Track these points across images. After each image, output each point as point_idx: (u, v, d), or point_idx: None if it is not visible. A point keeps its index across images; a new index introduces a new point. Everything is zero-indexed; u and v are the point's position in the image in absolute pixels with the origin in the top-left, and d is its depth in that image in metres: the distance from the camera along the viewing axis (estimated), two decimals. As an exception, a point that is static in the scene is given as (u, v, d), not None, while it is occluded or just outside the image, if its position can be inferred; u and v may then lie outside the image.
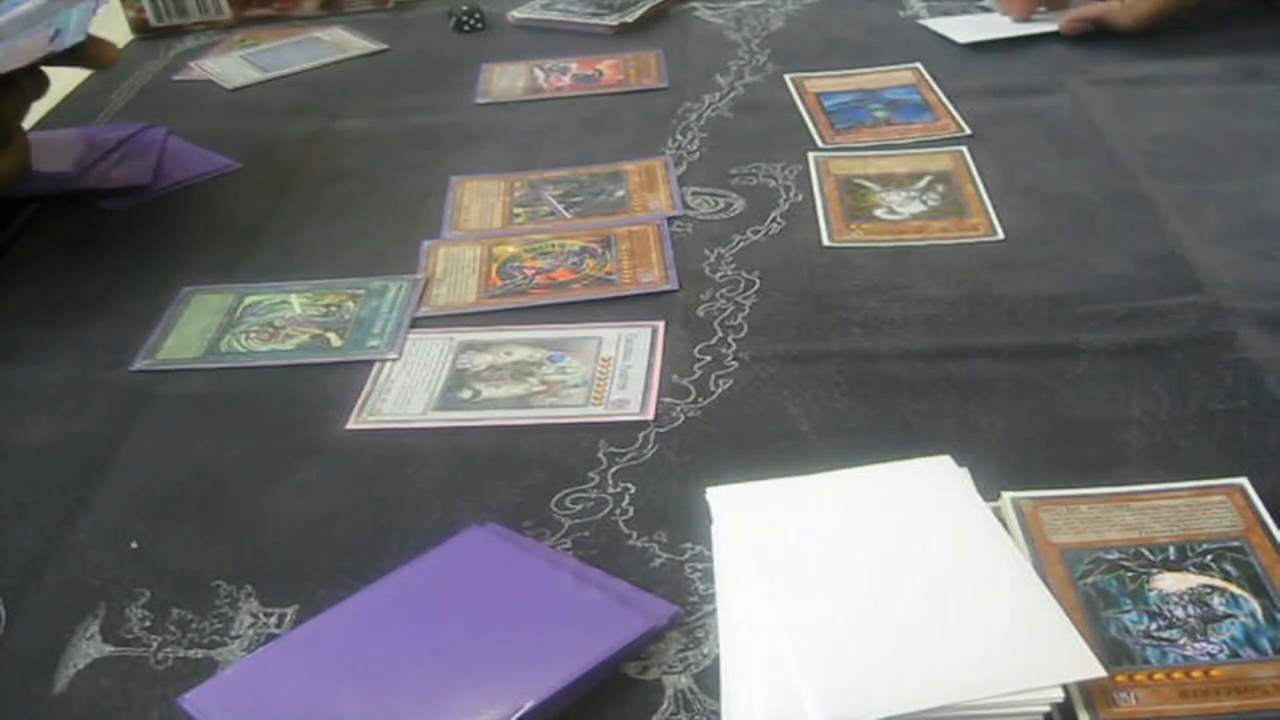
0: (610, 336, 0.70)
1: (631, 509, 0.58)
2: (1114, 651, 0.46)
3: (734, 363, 0.67)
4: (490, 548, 0.55)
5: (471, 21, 1.19)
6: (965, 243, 0.77)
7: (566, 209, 0.85)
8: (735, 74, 1.05)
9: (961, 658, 0.45)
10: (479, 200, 0.87)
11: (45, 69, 0.82)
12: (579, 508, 0.58)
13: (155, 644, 0.52)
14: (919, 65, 1.02)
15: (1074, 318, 0.68)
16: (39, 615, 0.55)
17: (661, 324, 0.71)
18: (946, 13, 1.13)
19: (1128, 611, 0.48)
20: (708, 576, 0.53)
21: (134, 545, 0.58)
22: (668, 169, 0.89)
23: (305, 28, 1.23)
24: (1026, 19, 1.07)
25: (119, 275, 0.82)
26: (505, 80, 1.08)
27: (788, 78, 1.02)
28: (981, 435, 0.60)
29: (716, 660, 0.49)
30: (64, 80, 1.15)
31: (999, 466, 0.57)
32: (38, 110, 1.08)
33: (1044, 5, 1.07)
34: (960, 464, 0.56)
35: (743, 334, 0.70)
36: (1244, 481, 0.54)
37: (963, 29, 1.08)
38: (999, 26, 1.07)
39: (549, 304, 0.74)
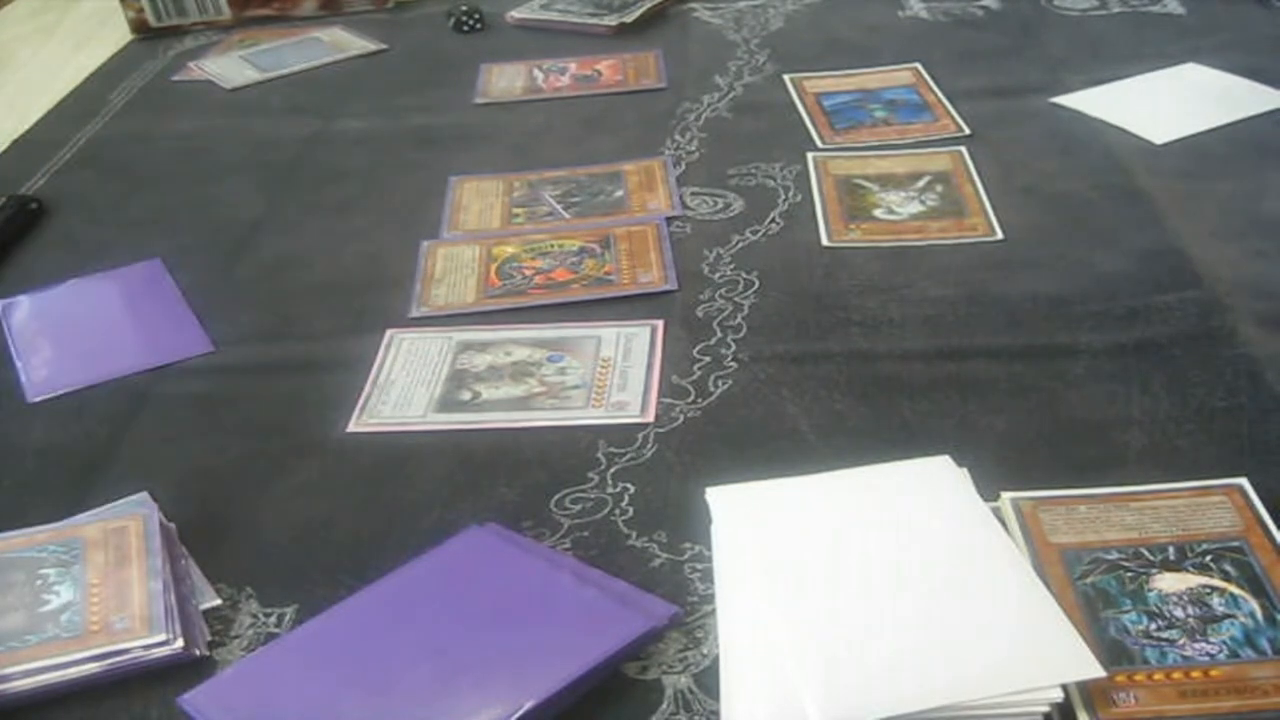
0: (610, 336, 0.70)
1: (631, 509, 0.58)
2: (1113, 652, 0.46)
3: (733, 363, 0.67)
4: (490, 548, 0.55)
5: (471, 21, 1.19)
6: (964, 243, 0.77)
7: (565, 209, 0.85)
8: (734, 74, 1.05)
9: (961, 658, 0.45)
10: (478, 200, 0.87)
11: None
12: (579, 508, 0.58)
13: (155, 644, 0.52)
14: (918, 65, 1.02)
15: (1073, 317, 0.68)
16: (39, 616, 0.55)
17: (661, 324, 0.71)
18: (947, 13, 1.13)
19: (1127, 612, 0.48)
20: (707, 576, 0.53)
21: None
22: (667, 169, 0.89)
23: (304, 28, 1.23)
24: None
25: (118, 275, 0.82)
26: (504, 80, 1.08)
27: (787, 78, 1.02)
28: (981, 435, 0.60)
29: (716, 660, 0.49)
30: (65, 80, 1.15)
31: (999, 466, 0.57)
32: (36, 108, 1.09)
33: None
34: (960, 464, 0.56)
35: (742, 334, 0.70)
36: (1243, 481, 0.54)
37: (1149, 123, 0.89)
38: (1190, 114, 0.90)
39: (548, 304, 0.74)
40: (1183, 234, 0.75)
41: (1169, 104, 0.92)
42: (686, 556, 0.54)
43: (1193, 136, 0.87)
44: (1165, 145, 0.86)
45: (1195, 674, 0.45)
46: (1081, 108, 0.93)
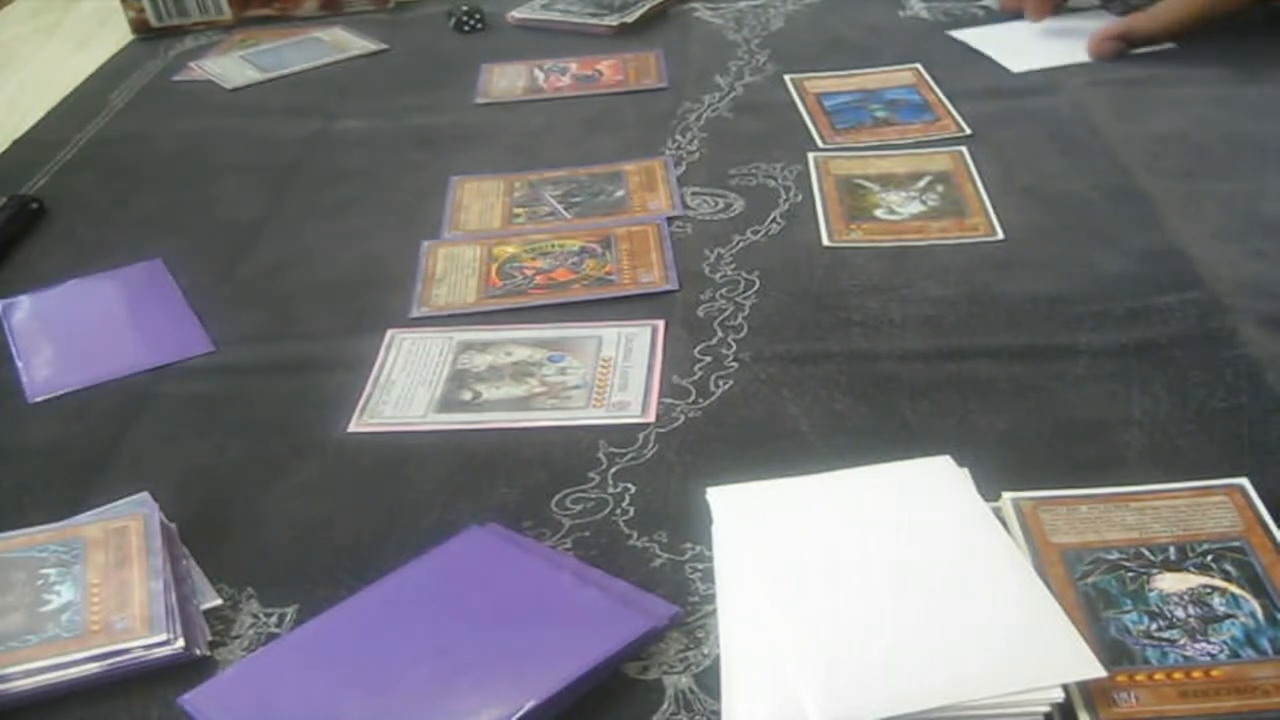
0: (610, 336, 0.70)
1: (632, 509, 0.58)
2: (1114, 652, 0.46)
3: (734, 363, 0.67)
4: (490, 548, 0.55)
5: (471, 21, 1.19)
6: (965, 243, 0.77)
7: (566, 209, 0.85)
8: (735, 74, 1.05)
9: (961, 658, 0.45)
10: (479, 200, 0.87)
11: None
12: (579, 508, 0.58)
13: (155, 644, 0.52)
14: (919, 65, 1.02)
15: (1074, 317, 0.68)
16: (39, 615, 0.55)
17: (662, 324, 0.71)
18: (947, 13, 1.13)
19: (1128, 612, 0.48)
20: (708, 576, 0.53)
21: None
22: (667, 169, 0.89)
23: (305, 28, 1.23)
24: (1043, 19, 1.06)
25: (119, 275, 0.82)
26: (505, 80, 1.08)
27: (787, 78, 1.02)
28: (981, 435, 0.60)
29: (717, 660, 0.49)
30: (65, 80, 1.15)
31: (999, 466, 0.57)
32: (36, 108, 1.09)
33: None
34: (960, 464, 0.56)
35: (743, 334, 0.70)
36: (1244, 481, 0.54)
37: (1012, 55, 1.02)
38: (1047, 52, 1.02)
39: (549, 304, 0.74)
40: (1183, 234, 0.75)
41: (1040, 42, 1.04)
42: (687, 556, 0.54)
43: (1050, 70, 0.99)
44: (1021, 74, 0.99)
45: (1196, 674, 0.45)
46: (967, 40, 1.06)
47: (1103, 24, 1.02)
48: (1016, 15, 1.09)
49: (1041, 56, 1.02)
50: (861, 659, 0.45)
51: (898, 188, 0.84)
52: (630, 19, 1.16)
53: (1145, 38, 1.01)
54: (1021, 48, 1.03)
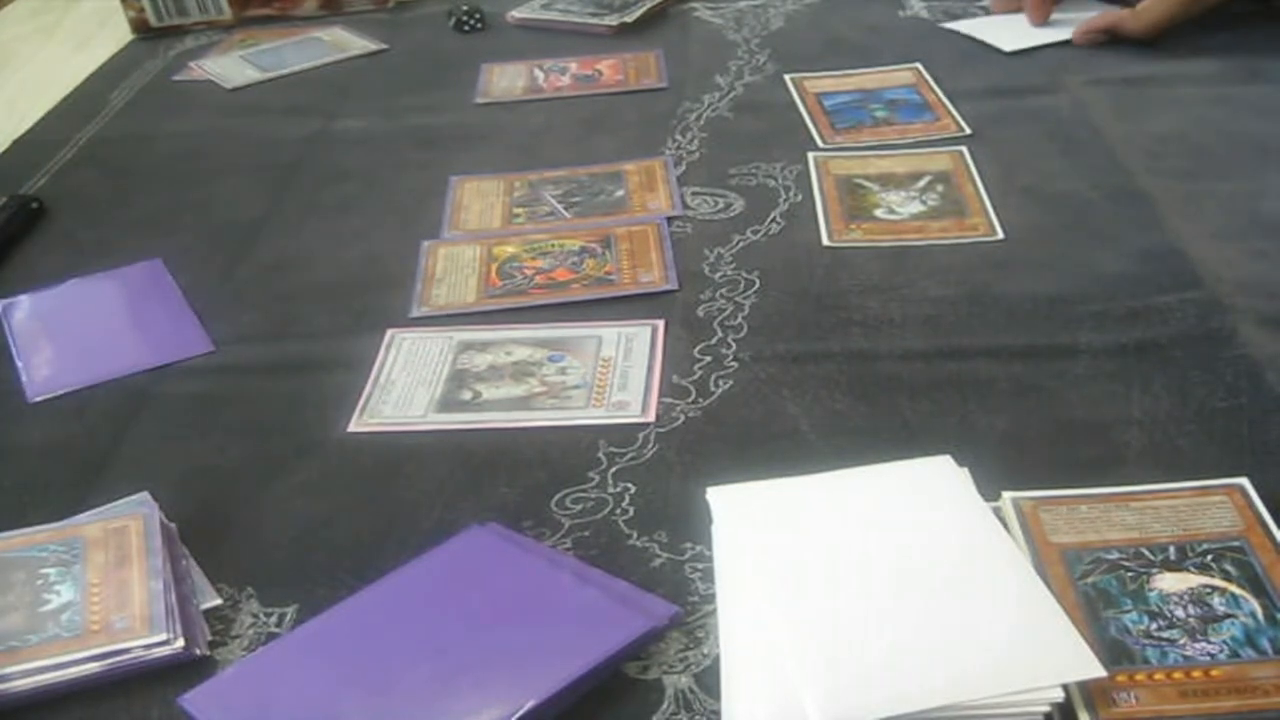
0: (610, 336, 0.70)
1: (632, 509, 0.58)
2: (1114, 651, 0.46)
3: (734, 363, 0.67)
4: (490, 548, 0.55)
5: (471, 21, 1.19)
6: (965, 242, 0.77)
7: (566, 209, 0.85)
8: (735, 74, 1.05)
9: (961, 658, 0.45)
10: (479, 200, 0.87)
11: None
12: (579, 508, 0.58)
13: (155, 644, 0.52)
14: (919, 65, 1.02)
15: (1074, 317, 0.68)
16: (39, 615, 0.55)
17: (661, 324, 0.71)
18: (947, 13, 1.13)
19: (1128, 611, 0.48)
20: (708, 576, 0.53)
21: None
22: (667, 169, 0.89)
23: (305, 28, 1.23)
24: (1045, 22, 1.07)
25: (119, 275, 0.82)
26: (505, 80, 1.08)
27: (788, 78, 1.02)
28: (981, 435, 0.60)
29: (717, 660, 0.49)
30: (65, 80, 1.15)
31: (999, 466, 0.57)
32: (36, 108, 1.09)
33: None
34: (960, 464, 0.56)
35: (742, 334, 0.70)
36: (1244, 481, 0.54)
37: (1004, 37, 1.06)
38: (1037, 33, 1.06)
39: (549, 304, 0.74)
40: (1183, 234, 0.75)
41: (1032, 27, 1.07)
42: (687, 556, 0.54)
43: (1048, 64, 1.01)
44: (1014, 54, 1.03)
45: (1196, 674, 0.45)
46: (959, 28, 1.09)
47: (1092, 15, 1.05)
48: (1013, 14, 1.10)
49: (1032, 37, 1.05)
50: (861, 659, 0.45)
51: (898, 187, 0.84)
52: (630, 19, 1.16)
53: (1130, 36, 1.03)
54: (1014, 33, 1.06)
